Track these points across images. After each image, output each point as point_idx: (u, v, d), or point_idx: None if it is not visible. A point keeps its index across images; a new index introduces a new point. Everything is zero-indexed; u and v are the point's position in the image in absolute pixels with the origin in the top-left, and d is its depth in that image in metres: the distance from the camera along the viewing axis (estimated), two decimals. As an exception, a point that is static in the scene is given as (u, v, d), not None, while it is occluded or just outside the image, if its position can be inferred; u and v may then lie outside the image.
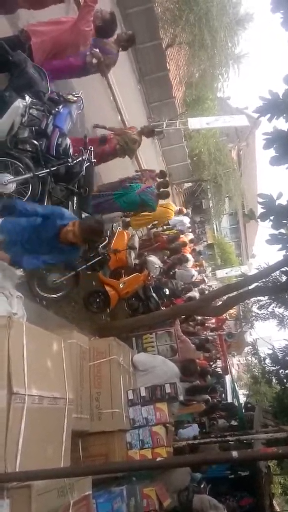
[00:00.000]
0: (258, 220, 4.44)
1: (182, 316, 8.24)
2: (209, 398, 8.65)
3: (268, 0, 3.64)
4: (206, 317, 12.63)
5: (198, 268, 13.60)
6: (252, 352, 11.31)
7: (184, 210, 13.09)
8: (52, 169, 4.00)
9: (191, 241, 13.09)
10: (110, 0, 11.67)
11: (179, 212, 11.69)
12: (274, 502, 7.05)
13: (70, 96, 4.40)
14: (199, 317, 10.97)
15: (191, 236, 13.70)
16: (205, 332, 14.00)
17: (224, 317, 15.27)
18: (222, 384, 13.43)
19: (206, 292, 15.48)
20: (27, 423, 2.26)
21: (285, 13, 3.62)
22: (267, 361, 7.36)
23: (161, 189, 7.00)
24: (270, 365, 7.15)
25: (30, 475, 1.95)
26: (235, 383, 12.95)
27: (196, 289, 11.74)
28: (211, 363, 13.85)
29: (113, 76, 9.92)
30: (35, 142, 3.86)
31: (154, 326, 7.07)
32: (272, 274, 6.39)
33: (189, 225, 13.20)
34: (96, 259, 4.91)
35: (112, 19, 4.80)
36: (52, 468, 2.30)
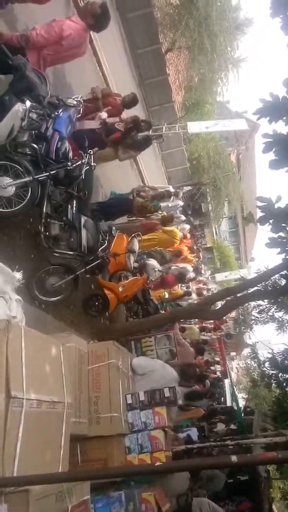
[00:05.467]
0: (257, 223, 4.45)
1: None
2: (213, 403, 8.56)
3: (268, 5, 3.66)
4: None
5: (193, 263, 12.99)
6: (251, 355, 11.29)
7: (180, 194, 12.08)
8: (52, 172, 4.01)
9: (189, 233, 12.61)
10: (110, 4, 11.73)
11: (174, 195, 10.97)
12: (273, 506, 7.01)
13: (70, 100, 4.41)
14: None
15: (187, 227, 13.09)
16: (203, 333, 13.98)
17: (223, 319, 15.27)
18: (220, 387, 13.39)
19: (204, 292, 15.45)
20: (25, 427, 2.25)
21: (285, 17, 3.64)
22: (267, 365, 7.34)
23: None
24: (269, 369, 7.13)
25: (28, 480, 1.94)
26: (234, 387, 12.91)
27: (194, 288, 11.58)
28: (211, 367, 13.84)
29: (113, 80, 9.97)
30: (35, 145, 3.87)
31: (153, 330, 7.06)
32: (271, 278, 6.39)
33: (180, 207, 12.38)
34: (95, 262, 4.90)
35: (103, 12, 4.61)
36: (50, 473, 2.29)
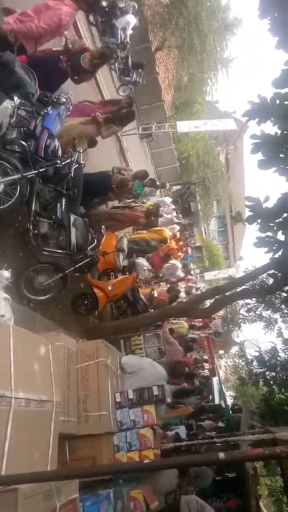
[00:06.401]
0: (245, 223, 4.49)
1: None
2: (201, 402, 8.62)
3: (256, 6, 3.69)
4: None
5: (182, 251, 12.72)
6: (239, 354, 11.40)
7: (167, 185, 11.42)
8: (40, 170, 3.99)
9: (179, 235, 12.42)
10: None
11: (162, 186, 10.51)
12: (260, 503, 7.07)
13: (59, 98, 4.39)
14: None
15: (177, 227, 12.68)
16: (191, 331, 14.03)
17: (212, 317, 15.33)
18: (209, 385, 13.47)
19: (193, 291, 15.47)
20: (14, 426, 2.24)
21: (272, 19, 3.68)
22: (254, 363, 7.41)
23: None
24: (257, 367, 7.20)
25: (16, 479, 1.93)
26: (222, 385, 13.00)
27: (183, 286, 11.53)
28: (199, 365, 13.91)
29: (102, 78, 9.95)
30: (24, 143, 3.84)
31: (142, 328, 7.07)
32: (259, 277, 6.44)
33: (171, 205, 12.00)
34: (84, 261, 4.88)
35: None
36: (39, 472, 2.28)
